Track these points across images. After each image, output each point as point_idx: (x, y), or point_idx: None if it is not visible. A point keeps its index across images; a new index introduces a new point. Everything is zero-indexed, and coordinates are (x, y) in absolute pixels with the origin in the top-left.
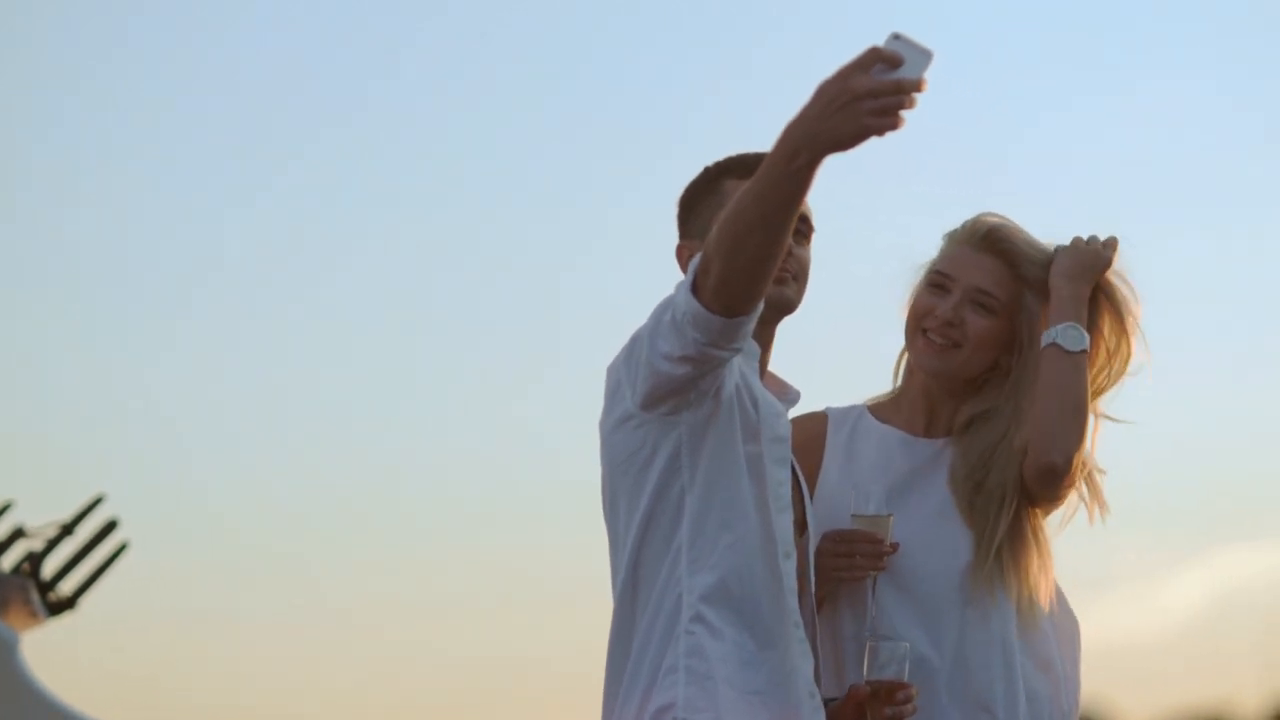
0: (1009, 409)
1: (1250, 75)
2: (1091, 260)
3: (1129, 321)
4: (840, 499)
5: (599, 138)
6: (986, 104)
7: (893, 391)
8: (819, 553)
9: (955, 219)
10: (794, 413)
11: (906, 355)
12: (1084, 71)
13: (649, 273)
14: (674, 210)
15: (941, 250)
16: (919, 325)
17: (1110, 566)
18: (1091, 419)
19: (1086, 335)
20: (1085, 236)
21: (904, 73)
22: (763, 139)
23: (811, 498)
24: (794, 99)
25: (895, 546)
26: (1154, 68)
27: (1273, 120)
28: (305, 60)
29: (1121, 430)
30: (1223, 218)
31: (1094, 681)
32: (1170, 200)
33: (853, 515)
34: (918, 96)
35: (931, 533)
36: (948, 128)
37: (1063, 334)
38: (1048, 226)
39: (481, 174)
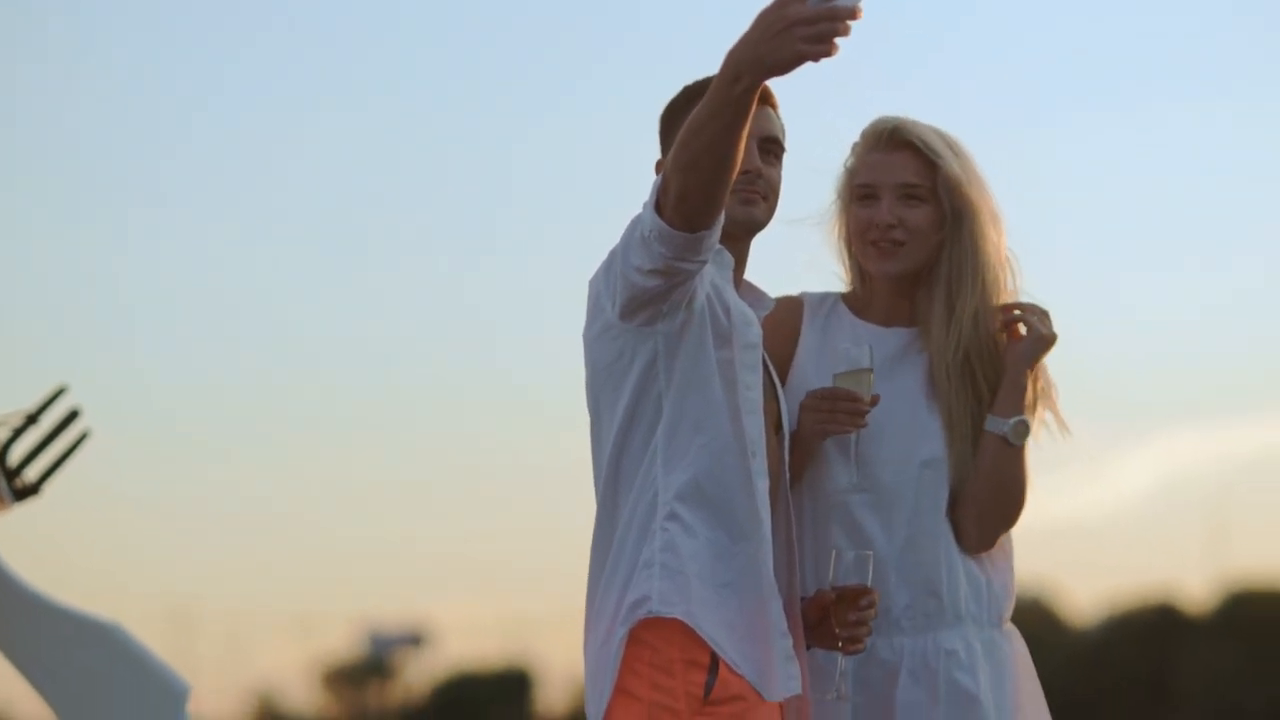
0: (953, 278)
1: None
2: (1045, 347)
3: (1051, 405)
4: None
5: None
6: None
7: (857, 287)
8: (802, 408)
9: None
10: None
11: (857, 261)
12: None
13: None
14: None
15: (854, 164)
16: (864, 239)
17: (1057, 448)
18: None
19: (1030, 426)
20: (1025, 303)
21: (839, 1)
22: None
23: (783, 384)
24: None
25: (876, 399)
26: None
27: None
28: None
29: (1071, 316)
30: (1163, 107)
31: (1041, 564)
32: (1103, 89)
33: (835, 375)
34: (851, 24)
35: (899, 420)
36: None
37: (1013, 430)
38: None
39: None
